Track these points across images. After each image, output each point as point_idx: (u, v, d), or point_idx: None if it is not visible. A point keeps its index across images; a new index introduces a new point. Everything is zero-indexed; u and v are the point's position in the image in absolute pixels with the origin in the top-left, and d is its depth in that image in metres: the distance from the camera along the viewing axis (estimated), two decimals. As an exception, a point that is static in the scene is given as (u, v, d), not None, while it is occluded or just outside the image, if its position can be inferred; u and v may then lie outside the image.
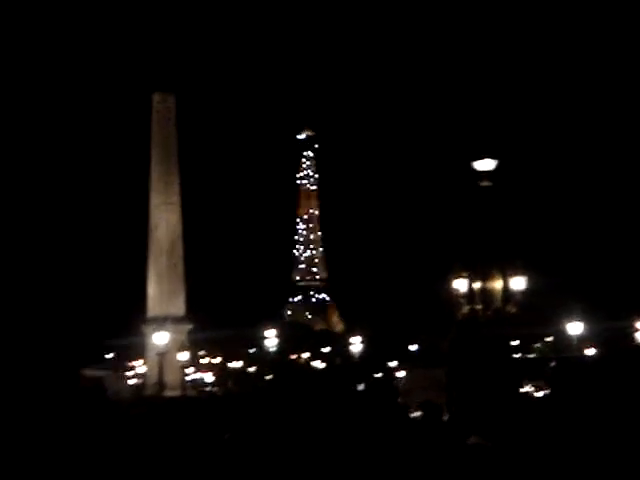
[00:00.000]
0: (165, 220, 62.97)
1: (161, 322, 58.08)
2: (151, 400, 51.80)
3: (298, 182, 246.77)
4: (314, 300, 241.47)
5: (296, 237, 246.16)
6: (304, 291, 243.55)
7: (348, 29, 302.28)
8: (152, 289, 62.70)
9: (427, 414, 21.70)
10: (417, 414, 25.53)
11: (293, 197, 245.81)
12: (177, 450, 19.34)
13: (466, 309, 29.76)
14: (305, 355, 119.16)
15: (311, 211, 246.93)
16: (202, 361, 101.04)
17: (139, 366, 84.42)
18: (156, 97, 64.12)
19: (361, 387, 63.09)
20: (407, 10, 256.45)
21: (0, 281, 60.83)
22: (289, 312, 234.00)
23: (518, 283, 30.07)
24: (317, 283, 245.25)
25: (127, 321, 69.31)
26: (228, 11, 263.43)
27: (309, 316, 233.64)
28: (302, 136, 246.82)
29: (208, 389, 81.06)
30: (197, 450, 19.22)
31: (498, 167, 29.58)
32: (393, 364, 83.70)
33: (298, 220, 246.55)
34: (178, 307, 62.27)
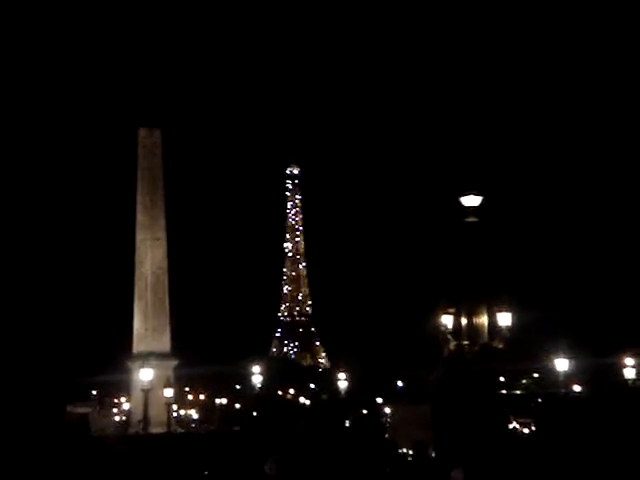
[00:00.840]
0: (151, 255, 62.77)
1: (146, 358, 57.69)
2: (136, 437, 51.42)
3: (284, 217, 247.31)
4: (300, 336, 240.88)
5: (282, 273, 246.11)
6: (290, 327, 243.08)
7: (333, 62, 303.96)
8: (137, 325, 62.38)
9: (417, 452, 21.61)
10: (406, 451, 25.44)
11: (279, 232, 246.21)
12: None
13: (453, 345, 29.68)
14: (291, 391, 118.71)
15: (297, 247, 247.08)
16: (188, 397, 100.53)
17: (124, 403, 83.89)
18: (142, 132, 64.13)
19: (348, 423, 62.76)
20: (392, 41, 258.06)
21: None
22: (275, 348, 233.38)
23: (504, 319, 30.01)
24: (303, 319, 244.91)
25: (112, 357, 68.89)
26: (216, 45, 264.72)
27: (295, 352, 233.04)
28: (289, 171, 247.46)
29: (193, 426, 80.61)
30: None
31: (484, 203, 29.64)
32: (379, 400, 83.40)
33: (284, 256, 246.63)
34: (164, 343, 61.91)
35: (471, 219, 29.13)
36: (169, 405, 57.06)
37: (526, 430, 49.14)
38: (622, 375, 53.24)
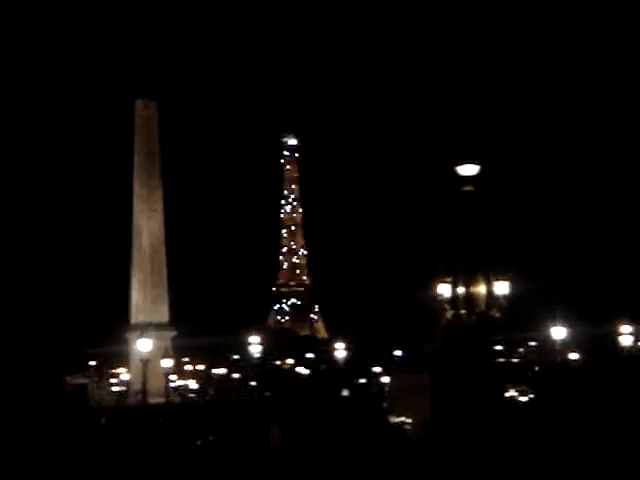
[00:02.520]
0: (148, 227, 62.78)
1: (144, 329, 57.79)
2: (134, 407, 51.59)
3: (282, 187, 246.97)
4: (298, 306, 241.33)
5: (280, 243, 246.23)
6: (288, 297, 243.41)
7: (331, 35, 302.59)
8: (135, 296, 62.47)
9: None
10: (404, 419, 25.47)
11: (277, 203, 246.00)
12: (153, 455, 19.27)
13: (450, 314, 29.70)
14: (289, 361, 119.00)
15: (294, 217, 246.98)
16: (186, 368, 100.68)
17: (123, 373, 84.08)
18: (139, 104, 63.95)
19: (346, 393, 62.99)
20: (389, 16, 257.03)
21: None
22: (273, 318, 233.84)
23: (502, 288, 30.01)
24: (301, 289, 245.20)
25: (111, 328, 69.06)
26: (212, 18, 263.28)
27: (293, 322, 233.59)
28: (286, 142, 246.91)
29: (191, 396, 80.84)
30: (171, 455, 19.16)
31: (481, 172, 29.58)
32: (378, 369, 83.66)
33: (282, 226, 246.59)
34: (162, 314, 62.04)
35: (468, 188, 29.06)
36: (167, 375, 57.19)
37: (523, 398, 49.36)
38: (618, 343, 53.45)
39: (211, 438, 23.54)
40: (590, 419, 22.89)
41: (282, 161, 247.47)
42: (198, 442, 22.93)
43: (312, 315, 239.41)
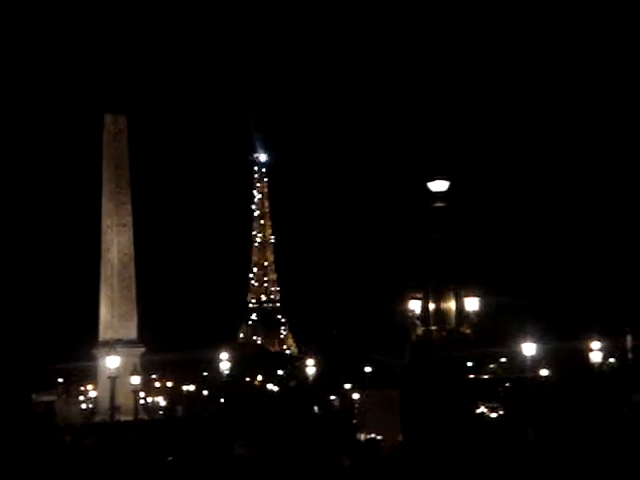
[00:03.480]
0: (117, 242, 62.39)
1: (113, 345, 57.32)
2: (102, 425, 51.09)
3: (251, 204, 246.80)
4: (268, 322, 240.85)
5: (249, 260, 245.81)
6: (258, 313, 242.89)
7: (301, 50, 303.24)
8: (103, 312, 62.00)
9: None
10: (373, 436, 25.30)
11: (247, 220, 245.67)
12: (120, 474, 19.06)
13: (420, 330, 29.68)
14: (259, 377, 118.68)
15: (264, 234, 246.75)
16: (155, 384, 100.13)
17: (91, 390, 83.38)
18: (107, 118, 63.60)
19: (316, 409, 62.52)
20: (361, 31, 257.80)
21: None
22: (242, 334, 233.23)
23: (472, 304, 30.02)
24: (271, 305, 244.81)
25: (78, 345, 68.49)
26: (184, 31, 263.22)
27: (263, 338, 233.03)
28: (257, 159, 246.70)
29: (160, 413, 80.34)
30: (141, 472, 18.95)
31: (451, 188, 29.61)
32: (348, 386, 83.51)
33: (252, 243, 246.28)
34: (130, 330, 61.57)
35: (438, 204, 29.09)
36: (136, 392, 56.72)
37: (494, 415, 49.30)
38: (588, 359, 53.62)
39: (181, 454, 23.34)
40: (562, 435, 22.85)
41: (253, 177, 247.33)
42: (169, 458, 22.70)
43: (282, 331, 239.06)
